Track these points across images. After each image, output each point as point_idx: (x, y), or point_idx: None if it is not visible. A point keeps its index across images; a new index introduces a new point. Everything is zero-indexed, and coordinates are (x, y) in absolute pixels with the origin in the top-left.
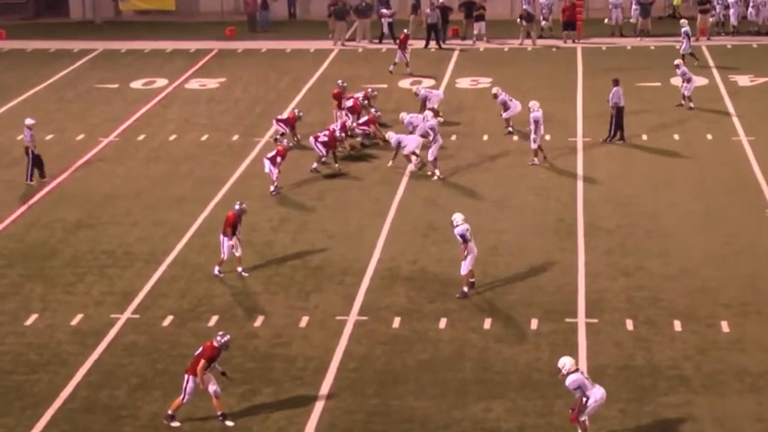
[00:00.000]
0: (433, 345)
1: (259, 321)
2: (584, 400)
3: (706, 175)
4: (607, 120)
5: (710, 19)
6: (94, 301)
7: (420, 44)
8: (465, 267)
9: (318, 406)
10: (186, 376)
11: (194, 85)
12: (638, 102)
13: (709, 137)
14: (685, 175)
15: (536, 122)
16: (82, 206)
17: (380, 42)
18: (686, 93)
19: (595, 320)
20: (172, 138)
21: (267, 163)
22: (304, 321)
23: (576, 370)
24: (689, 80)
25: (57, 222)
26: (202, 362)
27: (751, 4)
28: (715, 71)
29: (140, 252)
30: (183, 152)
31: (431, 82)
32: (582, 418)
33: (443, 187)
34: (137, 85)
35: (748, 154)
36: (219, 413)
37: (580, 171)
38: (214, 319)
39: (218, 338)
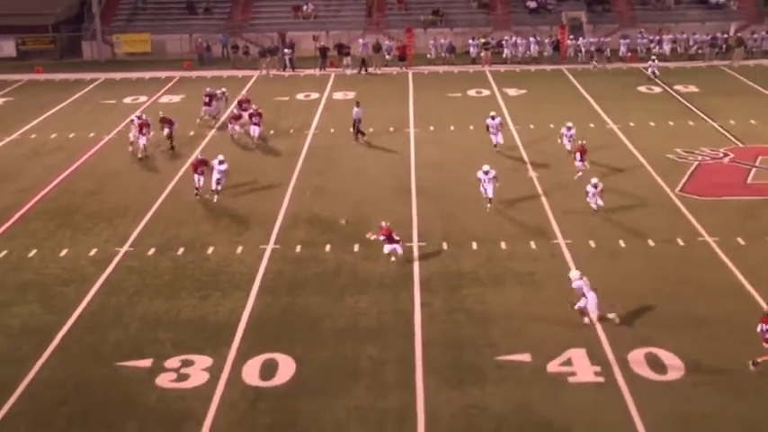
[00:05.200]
0: (322, 262)
1: (210, 250)
2: (583, 300)
3: (489, 150)
4: (428, 115)
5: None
6: (104, 240)
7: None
8: (594, 312)
9: (250, 303)
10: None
11: (165, 99)
12: (448, 106)
13: None
14: (476, 151)
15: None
16: (94, 179)
17: (284, 71)
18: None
19: (424, 244)
20: (151, 134)
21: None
22: (239, 249)
23: (580, 279)
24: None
25: (78, 190)
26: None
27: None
28: (494, 86)
29: (133, 208)
30: (158, 142)
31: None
32: (583, 312)
33: (329, 164)
34: (128, 100)
35: (515, 137)
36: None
37: (412, 150)
38: (181, 249)
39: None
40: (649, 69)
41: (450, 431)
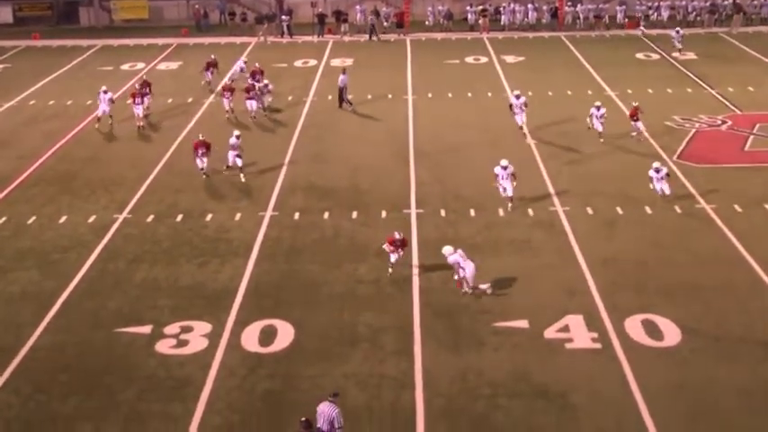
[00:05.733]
0: (320, 229)
1: (209, 217)
2: (461, 271)
3: (487, 117)
4: (426, 82)
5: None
6: (103, 206)
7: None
8: (470, 282)
9: (248, 269)
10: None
11: (162, 66)
12: (446, 73)
13: (489, 94)
14: (475, 118)
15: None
16: (93, 147)
17: (282, 38)
18: None
19: (422, 211)
20: (149, 99)
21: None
22: (238, 216)
23: (455, 252)
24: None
25: (76, 157)
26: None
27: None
28: (492, 53)
29: (131, 175)
30: (156, 109)
31: (315, 61)
32: (462, 282)
33: (327, 130)
34: (125, 67)
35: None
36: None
37: (410, 117)
38: (180, 216)
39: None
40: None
41: (448, 397)
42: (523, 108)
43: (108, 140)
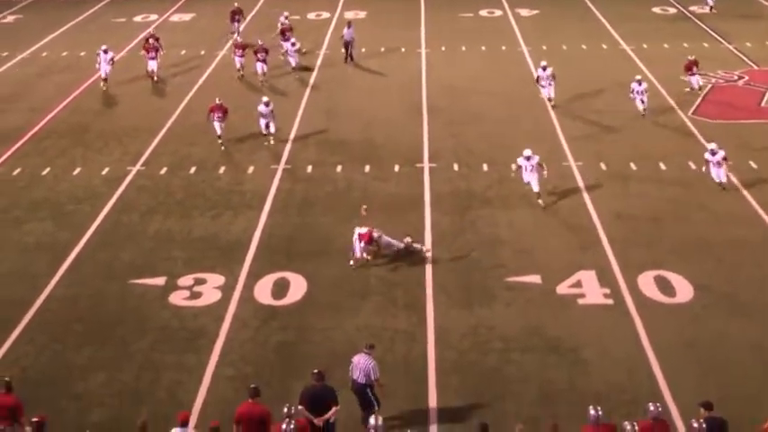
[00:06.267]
0: (333, 182)
1: (222, 170)
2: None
3: (500, 71)
4: (440, 36)
5: None
6: (116, 159)
7: None
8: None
9: (261, 221)
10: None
11: (176, 18)
12: (459, 27)
13: (504, 48)
14: (488, 72)
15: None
16: (105, 99)
17: None
18: None
19: (435, 165)
20: (162, 53)
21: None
22: (251, 169)
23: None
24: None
25: (89, 109)
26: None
27: None
28: (506, 6)
29: (144, 126)
30: (169, 61)
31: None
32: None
33: (340, 84)
34: (138, 18)
35: (527, 58)
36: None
37: (423, 70)
38: (193, 168)
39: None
40: None
41: (460, 351)
42: (551, 81)
43: (120, 93)
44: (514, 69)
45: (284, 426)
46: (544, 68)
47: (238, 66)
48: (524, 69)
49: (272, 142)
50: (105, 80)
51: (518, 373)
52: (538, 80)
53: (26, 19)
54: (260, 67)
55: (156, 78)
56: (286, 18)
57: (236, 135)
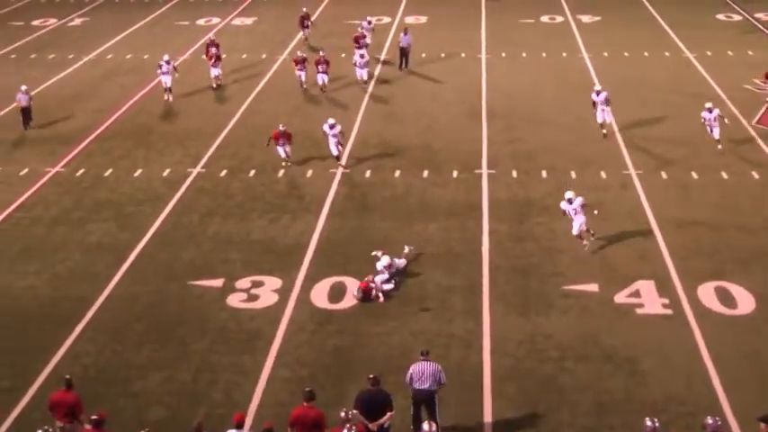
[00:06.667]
0: (391, 187)
1: (281, 173)
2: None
3: (562, 78)
4: (500, 41)
5: None
6: (177, 160)
7: None
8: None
9: (319, 225)
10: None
11: (237, 21)
12: (520, 33)
13: (564, 54)
14: (548, 79)
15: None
16: (167, 102)
17: None
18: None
19: (493, 171)
20: (223, 56)
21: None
22: (309, 173)
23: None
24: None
25: (152, 111)
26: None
27: None
28: (567, 12)
29: (205, 128)
30: (231, 65)
31: (389, 18)
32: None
33: (400, 88)
34: (201, 22)
35: (588, 65)
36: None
37: (483, 76)
38: (253, 171)
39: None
40: None
41: (515, 358)
42: (606, 104)
43: (183, 95)
44: (575, 76)
45: (344, 431)
46: (598, 93)
47: (303, 79)
48: (585, 76)
49: (343, 164)
50: (169, 90)
51: (574, 382)
52: (594, 104)
53: (92, 22)
54: (321, 78)
55: (216, 86)
56: (369, 23)
57: (296, 137)
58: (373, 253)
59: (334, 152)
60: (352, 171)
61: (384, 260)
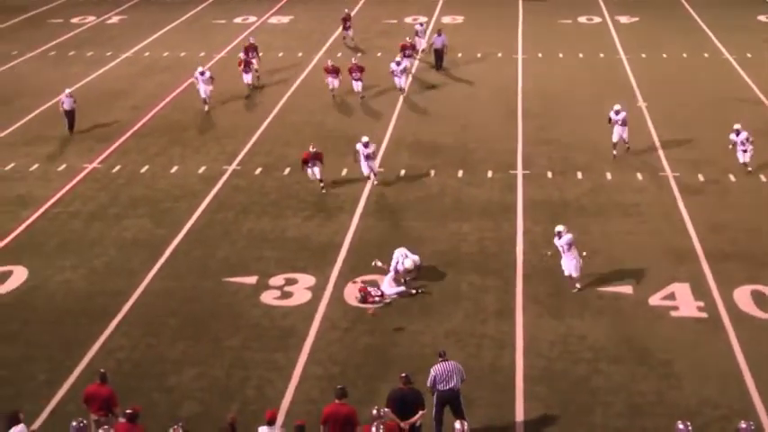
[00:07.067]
0: (425, 186)
1: (316, 173)
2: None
3: (597, 79)
4: (537, 42)
5: None
6: (212, 158)
7: None
8: (576, 270)
9: (354, 223)
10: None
11: (274, 20)
12: (557, 33)
13: (602, 55)
14: (585, 79)
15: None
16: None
17: None
18: None
19: (528, 172)
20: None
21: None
22: (344, 172)
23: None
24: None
25: (188, 108)
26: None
27: None
28: (605, 13)
29: (241, 126)
30: (267, 64)
31: (425, 18)
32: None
33: (436, 88)
34: (238, 20)
35: (626, 66)
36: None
37: (519, 75)
38: (287, 169)
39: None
40: None
41: (548, 359)
42: (623, 124)
43: (219, 93)
44: (612, 77)
45: (374, 429)
46: (617, 112)
47: (335, 85)
48: (622, 77)
49: (375, 183)
50: (206, 102)
51: (607, 383)
52: (610, 121)
53: (130, 19)
54: (356, 85)
55: (248, 95)
56: (421, 24)
57: (331, 136)
58: (373, 263)
59: (365, 171)
60: (386, 170)
61: (407, 262)
